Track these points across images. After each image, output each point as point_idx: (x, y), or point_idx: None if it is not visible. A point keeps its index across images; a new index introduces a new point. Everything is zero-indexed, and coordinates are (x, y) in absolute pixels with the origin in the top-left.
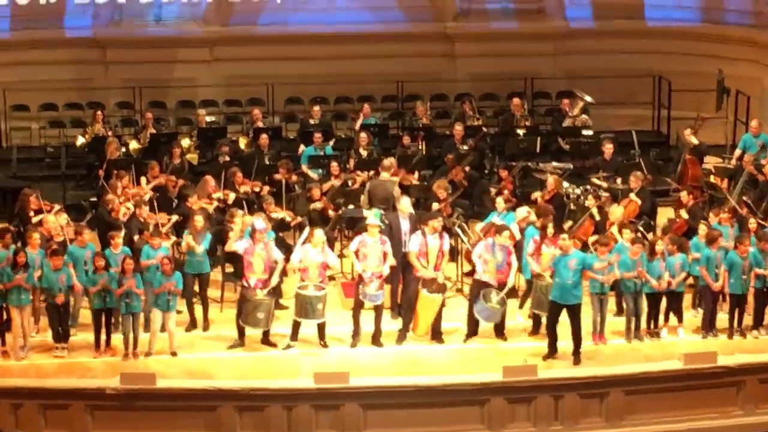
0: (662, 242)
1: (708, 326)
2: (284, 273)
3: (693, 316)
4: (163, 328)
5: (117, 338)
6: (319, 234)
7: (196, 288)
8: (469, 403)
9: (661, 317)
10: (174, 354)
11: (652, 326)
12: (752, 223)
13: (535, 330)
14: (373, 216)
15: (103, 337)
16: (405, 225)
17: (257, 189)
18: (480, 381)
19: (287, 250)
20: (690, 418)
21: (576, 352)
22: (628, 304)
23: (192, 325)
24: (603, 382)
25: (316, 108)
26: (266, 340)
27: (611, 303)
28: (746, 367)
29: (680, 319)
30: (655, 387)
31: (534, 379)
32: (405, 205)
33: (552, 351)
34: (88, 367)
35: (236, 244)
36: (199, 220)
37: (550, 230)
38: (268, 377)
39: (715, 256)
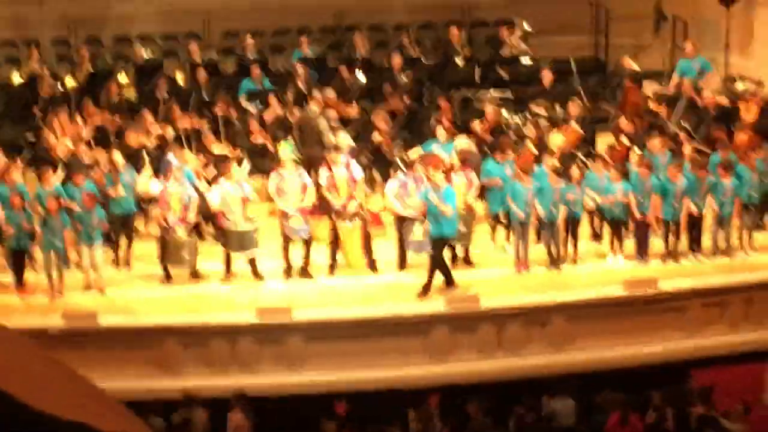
0: (593, 169)
1: (638, 251)
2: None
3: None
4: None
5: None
6: (237, 169)
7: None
8: (412, 333)
9: (606, 244)
10: (101, 291)
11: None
12: (688, 150)
13: (451, 262)
14: (284, 149)
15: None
16: (344, 159)
17: (196, 124)
18: (423, 311)
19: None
20: (633, 344)
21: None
22: (546, 231)
23: (116, 263)
24: (545, 309)
25: (250, 40)
26: (195, 273)
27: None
28: (688, 292)
29: (620, 246)
30: (596, 313)
31: (477, 309)
32: (343, 139)
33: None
34: (13, 307)
35: (150, 185)
36: (118, 158)
37: (456, 160)
38: (207, 312)
39: (643, 183)
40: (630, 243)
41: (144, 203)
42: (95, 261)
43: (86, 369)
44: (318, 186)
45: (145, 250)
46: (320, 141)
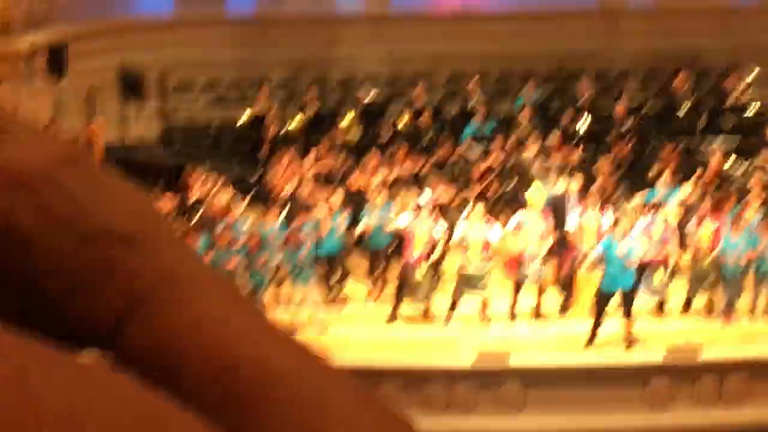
0: None
1: None
2: (446, 250)
3: None
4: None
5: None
6: (479, 209)
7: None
8: (630, 383)
9: None
10: (322, 329)
11: None
12: None
13: (685, 308)
14: (535, 191)
15: None
16: (571, 202)
17: (420, 166)
18: (642, 361)
19: (449, 226)
20: None
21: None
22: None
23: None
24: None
25: (475, 84)
26: (426, 314)
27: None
28: None
29: None
30: None
31: (697, 360)
32: (572, 186)
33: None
34: None
35: (398, 220)
36: (335, 200)
37: (705, 205)
38: (428, 354)
39: None
40: None
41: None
42: (308, 299)
43: None
44: (563, 229)
45: (358, 289)
46: (529, 183)
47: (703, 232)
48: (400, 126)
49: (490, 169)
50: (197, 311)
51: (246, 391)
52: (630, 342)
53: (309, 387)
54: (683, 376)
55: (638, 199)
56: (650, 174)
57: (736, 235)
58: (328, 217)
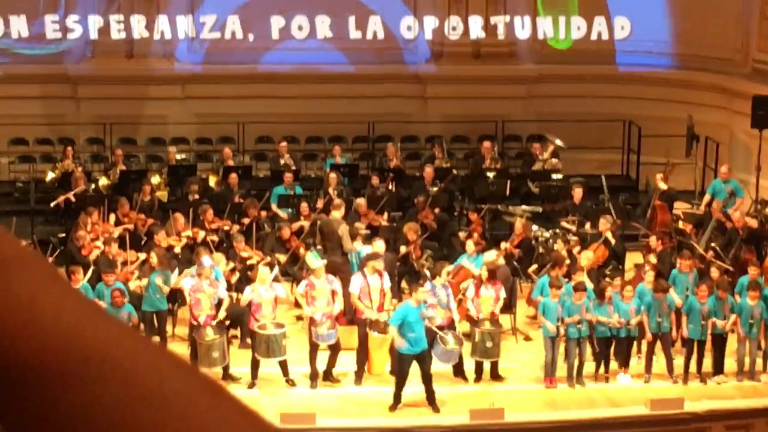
0: (611, 288)
1: (645, 370)
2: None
3: (637, 363)
4: None
5: None
6: (265, 271)
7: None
8: None
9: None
10: None
11: (602, 371)
12: (714, 272)
13: (477, 377)
14: (313, 258)
15: None
16: (379, 266)
17: (227, 227)
18: (447, 423)
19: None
20: None
21: (431, 400)
22: (570, 348)
23: None
24: (570, 427)
25: (283, 144)
26: (226, 375)
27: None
28: (713, 414)
29: (626, 365)
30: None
31: (501, 423)
32: (379, 247)
33: (397, 401)
34: None
35: (183, 281)
36: (153, 257)
37: (485, 273)
38: None
39: (659, 303)
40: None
41: (171, 304)
42: None
43: None
44: (349, 294)
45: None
46: (340, 247)
47: (484, 296)
48: (209, 186)
49: (298, 232)
50: (13, 292)
51: (64, 366)
52: (434, 404)
53: (135, 362)
54: None
55: (445, 264)
56: (456, 239)
57: (554, 300)
58: (148, 274)
